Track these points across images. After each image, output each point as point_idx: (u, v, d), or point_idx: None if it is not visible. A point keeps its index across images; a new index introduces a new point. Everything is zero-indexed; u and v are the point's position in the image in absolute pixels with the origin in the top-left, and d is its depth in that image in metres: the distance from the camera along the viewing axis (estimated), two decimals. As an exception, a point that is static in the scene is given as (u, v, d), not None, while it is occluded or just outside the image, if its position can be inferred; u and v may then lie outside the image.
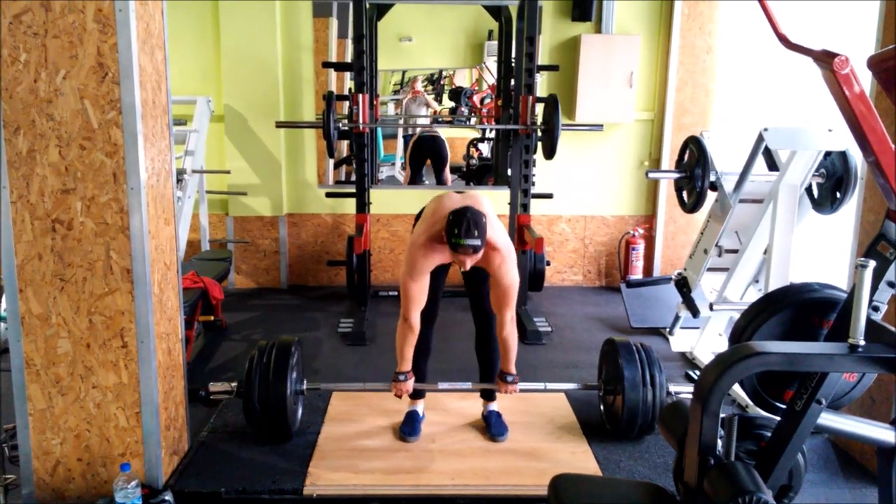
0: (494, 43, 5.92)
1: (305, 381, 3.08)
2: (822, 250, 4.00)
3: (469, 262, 2.65)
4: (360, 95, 4.46)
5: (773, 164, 3.78)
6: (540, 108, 4.59)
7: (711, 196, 3.71)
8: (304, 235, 5.41)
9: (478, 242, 2.57)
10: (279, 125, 4.73)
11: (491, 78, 6.32)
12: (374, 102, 4.99)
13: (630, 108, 5.24)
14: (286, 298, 5.20)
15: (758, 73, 4.83)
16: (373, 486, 2.67)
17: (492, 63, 6.11)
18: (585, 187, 5.46)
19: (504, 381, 2.93)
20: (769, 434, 1.87)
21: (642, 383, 2.89)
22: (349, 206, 5.02)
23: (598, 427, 3.12)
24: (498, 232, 2.80)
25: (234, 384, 2.98)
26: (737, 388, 2.56)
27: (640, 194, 5.52)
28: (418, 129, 6.57)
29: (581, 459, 2.88)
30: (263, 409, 2.86)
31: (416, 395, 3.11)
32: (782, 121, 4.13)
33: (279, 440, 2.95)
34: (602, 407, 3.14)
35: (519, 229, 4.66)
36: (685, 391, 3.01)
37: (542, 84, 5.23)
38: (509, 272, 2.78)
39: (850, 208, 3.25)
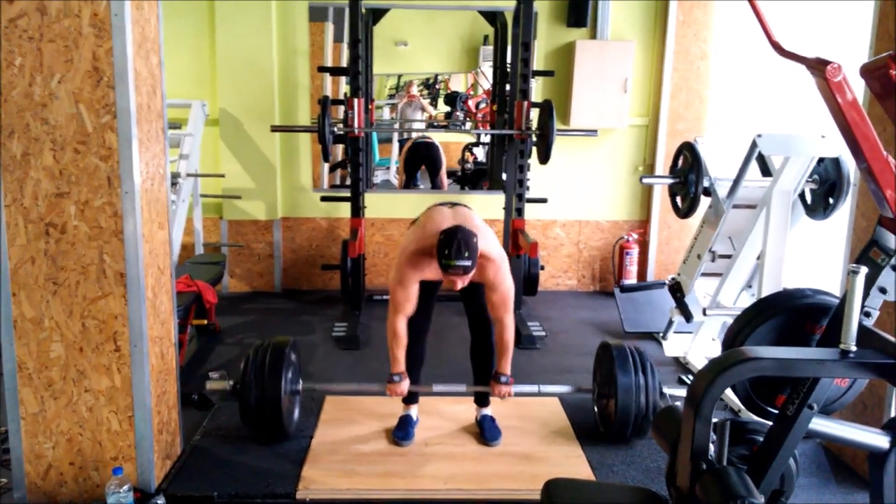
0: (490, 48, 5.93)
1: (301, 382, 3.08)
2: (814, 256, 4.01)
3: (460, 283, 2.66)
4: (356, 99, 4.47)
5: (766, 170, 3.80)
6: (535, 114, 4.60)
7: (705, 201, 3.73)
8: (298, 239, 5.41)
9: (468, 263, 2.56)
10: (274, 129, 4.73)
11: (486, 83, 6.33)
12: (370, 106, 4.99)
13: (624, 113, 5.26)
14: (280, 302, 5.18)
15: (752, 80, 4.85)
16: (366, 490, 2.66)
17: (487, 68, 6.13)
18: (580, 192, 5.47)
19: (498, 382, 2.92)
20: (761, 439, 1.87)
21: (635, 387, 2.90)
22: (344, 210, 5.02)
23: (591, 431, 3.12)
24: (490, 242, 2.81)
25: (230, 382, 2.97)
26: (729, 392, 2.56)
27: (634, 199, 5.53)
28: (413, 135, 6.58)
29: (574, 464, 2.88)
30: (259, 409, 2.85)
31: (410, 399, 3.11)
32: (776, 127, 4.15)
33: (275, 440, 2.95)
34: (596, 409, 3.15)
35: (513, 234, 4.67)
36: (679, 393, 3.02)
37: (537, 89, 5.24)
38: (505, 279, 2.79)
39: (843, 214, 3.26)
